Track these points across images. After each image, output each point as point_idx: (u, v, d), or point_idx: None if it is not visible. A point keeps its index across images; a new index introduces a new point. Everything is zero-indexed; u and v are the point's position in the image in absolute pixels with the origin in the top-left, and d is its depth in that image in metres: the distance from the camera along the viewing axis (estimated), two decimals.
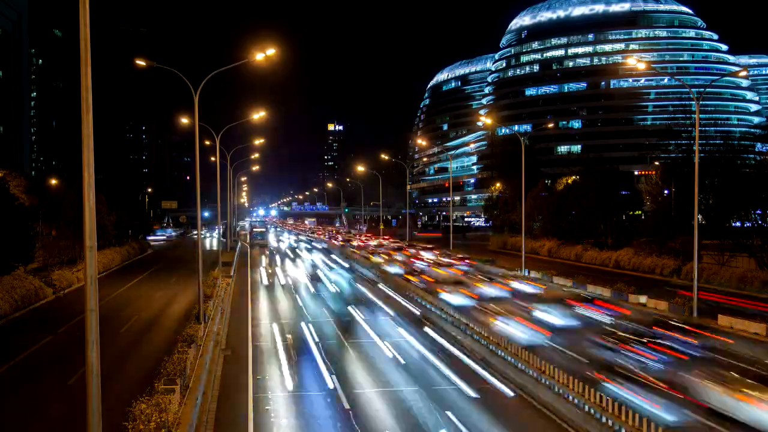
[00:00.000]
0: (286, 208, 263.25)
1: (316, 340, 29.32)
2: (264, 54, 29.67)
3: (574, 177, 79.01)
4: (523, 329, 27.50)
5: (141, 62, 33.38)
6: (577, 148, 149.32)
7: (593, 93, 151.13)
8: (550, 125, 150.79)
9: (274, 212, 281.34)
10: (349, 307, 37.99)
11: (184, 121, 59.51)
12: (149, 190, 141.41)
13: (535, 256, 69.46)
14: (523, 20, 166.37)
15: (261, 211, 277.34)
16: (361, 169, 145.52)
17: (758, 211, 51.31)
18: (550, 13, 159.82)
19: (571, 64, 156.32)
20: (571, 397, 17.76)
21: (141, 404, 14.81)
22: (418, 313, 35.24)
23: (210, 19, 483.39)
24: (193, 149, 30.62)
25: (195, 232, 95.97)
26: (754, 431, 16.31)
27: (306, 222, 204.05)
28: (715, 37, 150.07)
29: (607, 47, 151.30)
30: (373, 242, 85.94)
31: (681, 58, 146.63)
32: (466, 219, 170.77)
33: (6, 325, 33.75)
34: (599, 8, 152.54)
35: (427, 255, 63.26)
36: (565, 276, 47.59)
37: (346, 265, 64.56)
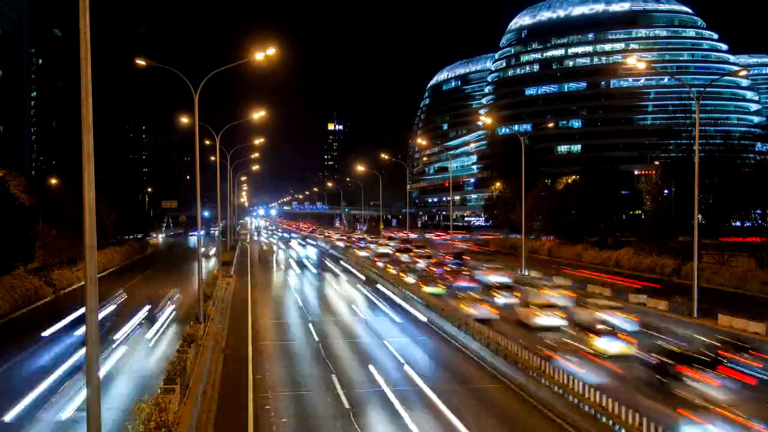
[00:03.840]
0: (286, 208, 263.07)
1: (316, 339, 29.37)
2: (264, 54, 29.66)
3: (574, 177, 78.96)
4: None
5: (141, 62, 33.37)
6: (577, 147, 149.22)
7: (593, 93, 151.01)
8: (550, 125, 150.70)
9: (274, 212, 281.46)
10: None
11: (184, 120, 59.46)
12: (149, 189, 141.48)
13: (535, 256, 69.44)
14: (523, 20, 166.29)
15: (261, 211, 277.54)
16: (361, 168, 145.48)
17: (758, 211, 51.28)
18: (550, 13, 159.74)
19: (571, 63, 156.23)
20: None
21: (141, 404, 14.82)
22: None
23: (210, 19, 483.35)
24: (193, 149, 30.62)
25: (194, 232, 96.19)
26: None
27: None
28: (715, 36, 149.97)
29: (607, 47, 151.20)
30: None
31: (681, 58, 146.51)
32: (466, 219, 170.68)
33: (6, 324, 33.75)
34: (599, 8, 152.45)
35: None
36: (564, 276, 47.56)
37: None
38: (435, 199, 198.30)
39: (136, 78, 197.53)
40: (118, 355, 25.72)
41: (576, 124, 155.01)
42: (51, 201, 63.16)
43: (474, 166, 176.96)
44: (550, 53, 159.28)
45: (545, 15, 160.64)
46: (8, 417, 18.86)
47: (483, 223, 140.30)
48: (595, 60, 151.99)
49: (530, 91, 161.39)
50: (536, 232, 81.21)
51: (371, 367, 24.00)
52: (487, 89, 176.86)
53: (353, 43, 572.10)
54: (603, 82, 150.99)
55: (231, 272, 53.85)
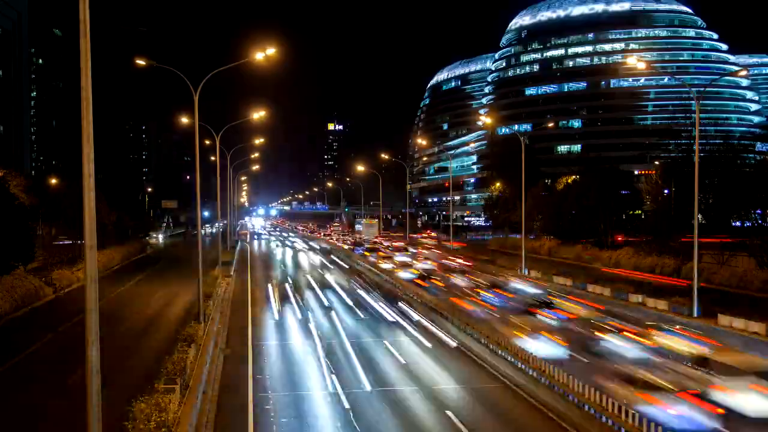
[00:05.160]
0: (286, 208, 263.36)
1: (317, 341, 29.39)
2: (264, 54, 29.64)
3: (574, 176, 78.94)
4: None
5: (141, 62, 33.36)
6: (577, 147, 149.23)
7: (593, 92, 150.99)
8: (550, 125, 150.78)
9: (274, 212, 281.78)
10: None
11: (184, 120, 59.49)
12: (149, 189, 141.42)
13: (535, 256, 69.35)
14: (523, 20, 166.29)
15: (261, 211, 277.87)
16: (361, 168, 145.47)
17: (758, 211, 51.33)
18: (550, 13, 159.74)
19: (571, 63, 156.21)
20: None
21: (141, 404, 14.81)
22: None
23: (210, 19, 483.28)
24: (194, 148, 30.61)
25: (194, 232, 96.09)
26: None
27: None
28: (715, 36, 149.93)
29: (607, 47, 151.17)
30: None
31: (681, 58, 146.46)
32: (465, 219, 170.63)
33: (6, 324, 33.75)
34: (599, 8, 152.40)
35: None
36: (564, 275, 47.56)
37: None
38: (435, 199, 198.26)
39: (136, 78, 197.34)
40: None
41: (576, 124, 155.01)
42: (51, 201, 63.15)
43: (474, 166, 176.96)
44: (550, 53, 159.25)
45: (545, 15, 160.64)
46: None
47: (483, 223, 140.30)
48: (595, 60, 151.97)
49: (530, 91, 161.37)
50: (536, 232, 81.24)
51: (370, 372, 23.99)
52: (487, 89, 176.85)
53: (353, 43, 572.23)
54: (603, 82, 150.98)
55: (231, 272, 53.86)
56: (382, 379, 22.74)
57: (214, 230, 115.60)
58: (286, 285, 49.06)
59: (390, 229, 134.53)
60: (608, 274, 50.20)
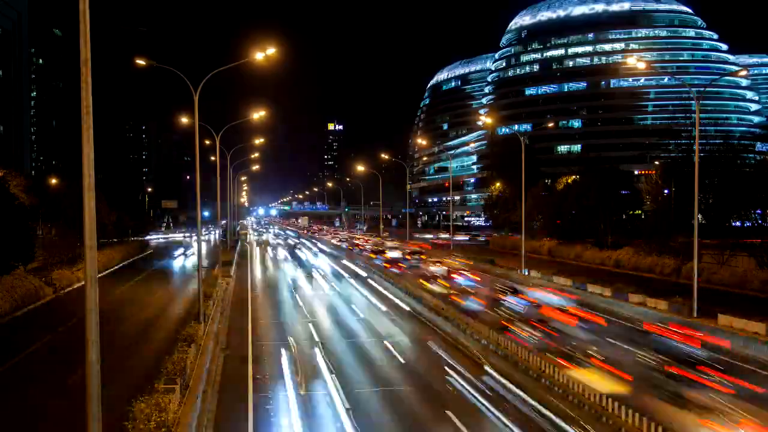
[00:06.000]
0: (286, 208, 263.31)
1: (317, 339, 29.38)
2: (264, 54, 29.63)
3: (574, 176, 78.92)
4: None
5: (141, 62, 33.33)
6: (577, 147, 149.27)
7: (593, 92, 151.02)
8: (550, 125, 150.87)
9: (274, 212, 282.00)
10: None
11: (184, 120, 59.47)
12: (149, 189, 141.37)
13: (535, 256, 69.40)
14: (523, 20, 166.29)
15: (261, 211, 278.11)
16: (361, 168, 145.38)
17: (758, 211, 51.29)
18: (550, 13, 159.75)
19: (571, 63, 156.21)
20: None
21: (141, 404, 14.82)
22: None
23: (210, 19, 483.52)
24: (194, 148, 30.60)
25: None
26: None
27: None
28: (715, 36, 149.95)
29: (607, 47, 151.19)
30: None
31: (681, 58, 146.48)
32: (465, 219, 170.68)
33: (6, 324, 33.75)
34: (599, 8, 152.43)
35: None
36: (564, 275, 47.56)
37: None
38: (435, 199, 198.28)
39: (136, 78, 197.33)
40: None
41: (576, 124, 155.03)
42: (51, 201, 63.18)
43: (474, 166, 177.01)
44: (550, 53, 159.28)
45: (545, 15, 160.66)
46: None
47: (483, 223, 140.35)
48: (595, 60, 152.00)
49: (530, 91, 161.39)
50: (536, 232, 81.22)
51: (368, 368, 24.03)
52: (487, 89, 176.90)
53: (353, 43, 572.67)
54: (603, 82, 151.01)
55: (231, 272, 53.86)
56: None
57: (211, 236, 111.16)
58: (286, 283, 49.07)
59: (388, 229, 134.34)
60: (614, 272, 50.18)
